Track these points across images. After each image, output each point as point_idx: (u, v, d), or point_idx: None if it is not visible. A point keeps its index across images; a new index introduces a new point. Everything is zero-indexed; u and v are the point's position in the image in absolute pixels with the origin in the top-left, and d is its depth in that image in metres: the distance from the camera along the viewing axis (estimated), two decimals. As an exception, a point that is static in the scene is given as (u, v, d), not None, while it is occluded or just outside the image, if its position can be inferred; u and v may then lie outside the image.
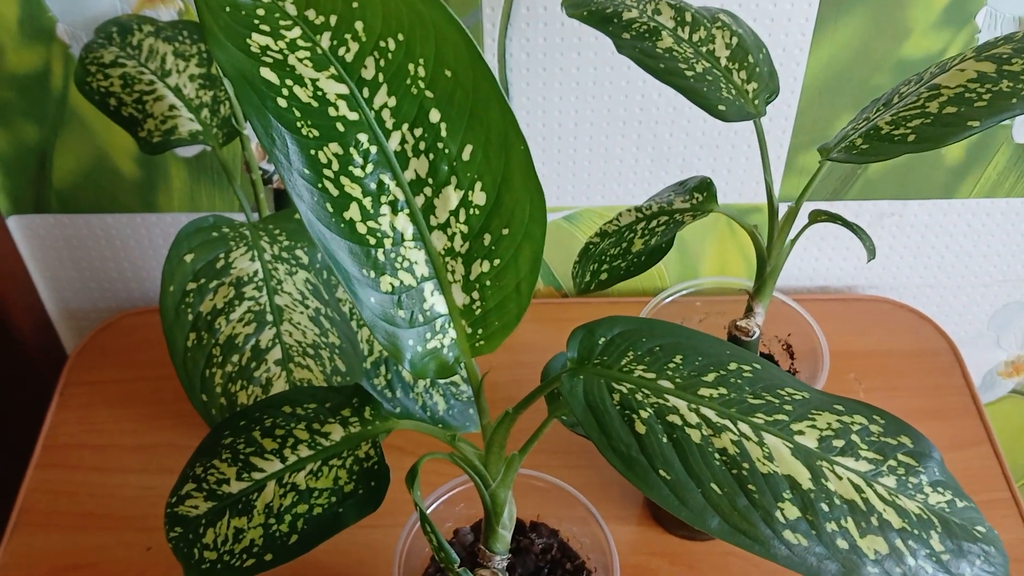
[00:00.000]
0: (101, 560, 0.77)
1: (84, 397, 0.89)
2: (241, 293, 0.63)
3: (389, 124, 0.40)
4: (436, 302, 0.43)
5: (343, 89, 0.40)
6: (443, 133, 0.41)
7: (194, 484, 0.49)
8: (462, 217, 0.42)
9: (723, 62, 0.63)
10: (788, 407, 0.41)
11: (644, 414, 0.40)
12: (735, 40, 0.64)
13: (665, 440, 0.40)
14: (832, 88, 0.86)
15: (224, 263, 0.64)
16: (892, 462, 0.39)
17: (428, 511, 0.58)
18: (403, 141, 0.41)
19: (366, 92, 0.40)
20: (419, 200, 0.42)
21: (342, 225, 0.41)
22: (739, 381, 0.42)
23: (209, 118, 0.70)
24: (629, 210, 0.68)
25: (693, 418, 0.40)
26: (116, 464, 0.84)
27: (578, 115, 0.87)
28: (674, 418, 0.40)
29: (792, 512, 0.38)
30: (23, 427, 0.92)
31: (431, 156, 0.41)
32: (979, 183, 0.92)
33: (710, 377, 0.42)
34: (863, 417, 0.41)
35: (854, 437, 0.40)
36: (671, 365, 0.42)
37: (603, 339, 0.44)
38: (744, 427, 0.40)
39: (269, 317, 0.63)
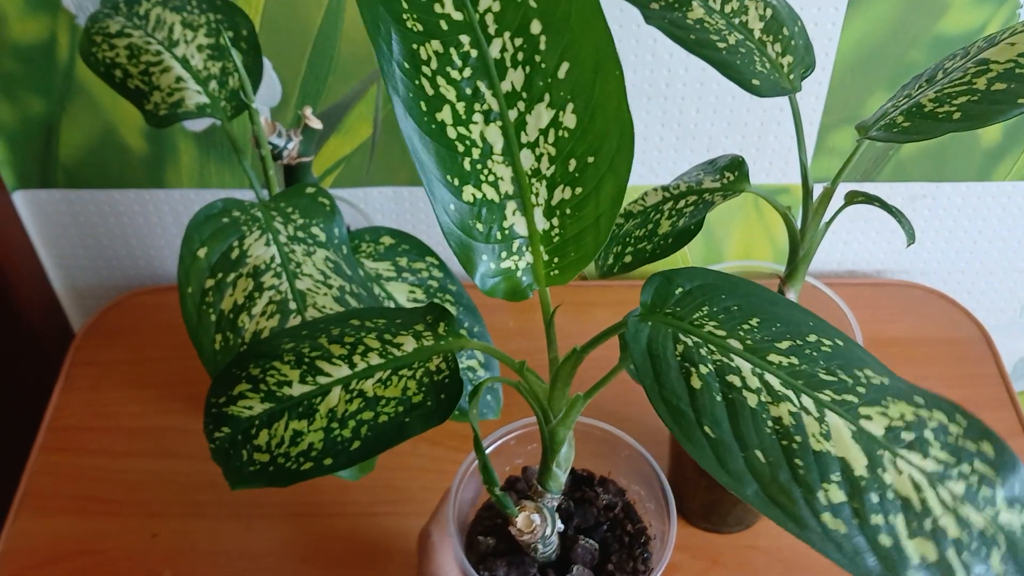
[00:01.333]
0: (105, 547, 0.75)
1: (90, 378, 0.87)
2: (260, 283, 0.60)
3: (492, 29, 0.40)
4: (516, 222, 0.43)
5: None
6: (542, 46, 0.40)
7: (249, 384, 0.48)
8: (551, 138, 0.41)
9: (757, 34, 0.60)
10: (861, 388, 0.38)
11: (704, 369, 0.39)
12: (769, 12, 0.61)
13: (719, 399, 0.38)
14: (865, 65, 0.82)
15: (239, 252, 0.61)
16: (965, 467, 0.36)
17: (500, 442, 0.58)
18: (503, 49, 0.40)
19: None
20: (512, 114, 0.41)
21: (433, 126, 0.41)
22: (815, 354, 0.40)
23: (217, 91, 0.67)
24: (655, 189, 0.65)
25: (754, 382, 0.38)
26: (122, 448, 0.82)
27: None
28: (734, 379, 0.39)
29: (837, 496, 0.35)
30: (28, 408, 0.90)
31: (527, 69, 0.41)
32: (1016, 165, 0.89)
33: (783, 344, 0.40)
34: (943, 414, 0.38)
35: (927, 433, 0.37)
36: (745, 326, 0.41)
37: (680, 289, 0.43)
38: (807, 400, 0.38)
39: (292, 305, 0.60)
